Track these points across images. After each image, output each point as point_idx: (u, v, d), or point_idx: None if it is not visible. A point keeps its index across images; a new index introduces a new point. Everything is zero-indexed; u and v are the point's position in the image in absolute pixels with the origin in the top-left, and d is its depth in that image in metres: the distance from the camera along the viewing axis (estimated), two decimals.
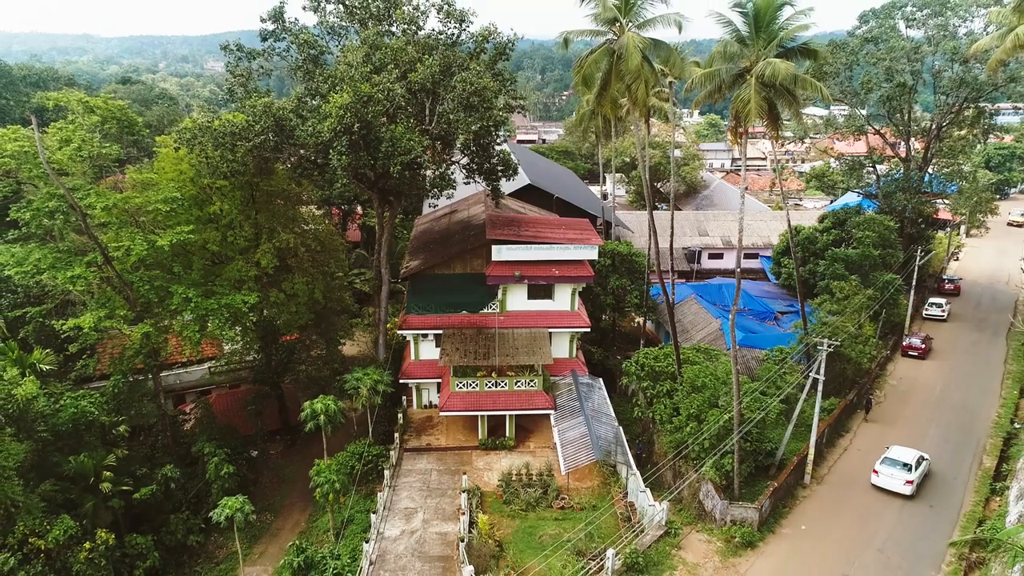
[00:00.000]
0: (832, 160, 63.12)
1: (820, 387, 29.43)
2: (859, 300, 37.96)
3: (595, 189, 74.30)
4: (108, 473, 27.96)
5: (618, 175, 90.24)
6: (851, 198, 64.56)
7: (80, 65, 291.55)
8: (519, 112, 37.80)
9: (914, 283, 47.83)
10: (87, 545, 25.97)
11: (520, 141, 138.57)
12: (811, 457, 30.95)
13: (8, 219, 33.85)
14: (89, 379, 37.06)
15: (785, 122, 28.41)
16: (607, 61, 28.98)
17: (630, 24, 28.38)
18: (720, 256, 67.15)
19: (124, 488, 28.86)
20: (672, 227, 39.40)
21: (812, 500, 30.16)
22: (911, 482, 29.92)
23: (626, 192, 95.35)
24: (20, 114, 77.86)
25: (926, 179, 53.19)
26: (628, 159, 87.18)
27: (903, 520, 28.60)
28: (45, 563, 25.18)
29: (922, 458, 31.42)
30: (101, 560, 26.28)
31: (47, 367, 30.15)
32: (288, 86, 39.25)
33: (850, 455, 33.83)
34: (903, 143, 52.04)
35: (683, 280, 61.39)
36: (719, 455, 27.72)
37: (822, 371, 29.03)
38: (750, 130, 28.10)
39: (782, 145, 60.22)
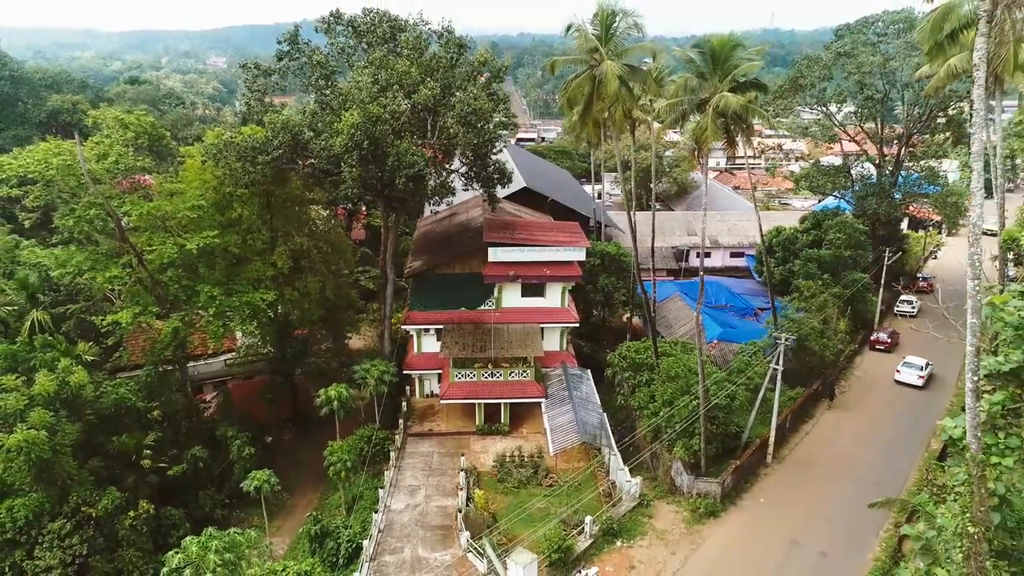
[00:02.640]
0: (817, 161, 66.44)
1: (779, 377, 32.87)
2: (823, 298, 41.38)
3: (593, 187, 77.49)
4: (147, 451, 31.54)
5: (614, 175, 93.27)
6: (834, 200, 67.86)
7: (84, 61, 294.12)
8: (511, 129, 41.13)
9: (883, 282, 51.16)
10: (131, 514, 29.57)
11: (519, 139, 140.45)
12: (772, 440, 34.46)
13: (45, 225, 37.44)
14: (121, 369, 40.66)
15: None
16: (589, 85, 32.32)
17: (609, 52, 31.70)
18: (708, 255, 70.32)
19: (160, 465, 32.46)
20: (653, 229, 42.77)
21: (772, 477, 33.71)
22: (922, 377, 42.86)
23: (621, 192, 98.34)
24: (38, 116, 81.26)
25: (899, 182, 56.45)
26: (622, 159, 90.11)
27: (854, 494, 32.04)
28: (95, 528, 28.77)
29: (928, 363, 43.91)
30: (143, 527, 29.91)
31: (91, 358, 33.69)
32: (288, 85, 42.49)
33: (811, 438, 37.36)
34: (876, 149, 55.32)
35: (671, 278, 64.77)
36: (688, 436, 31.25)
37: (781, 362, 32.46)
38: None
39: (762, 153, 63.43)
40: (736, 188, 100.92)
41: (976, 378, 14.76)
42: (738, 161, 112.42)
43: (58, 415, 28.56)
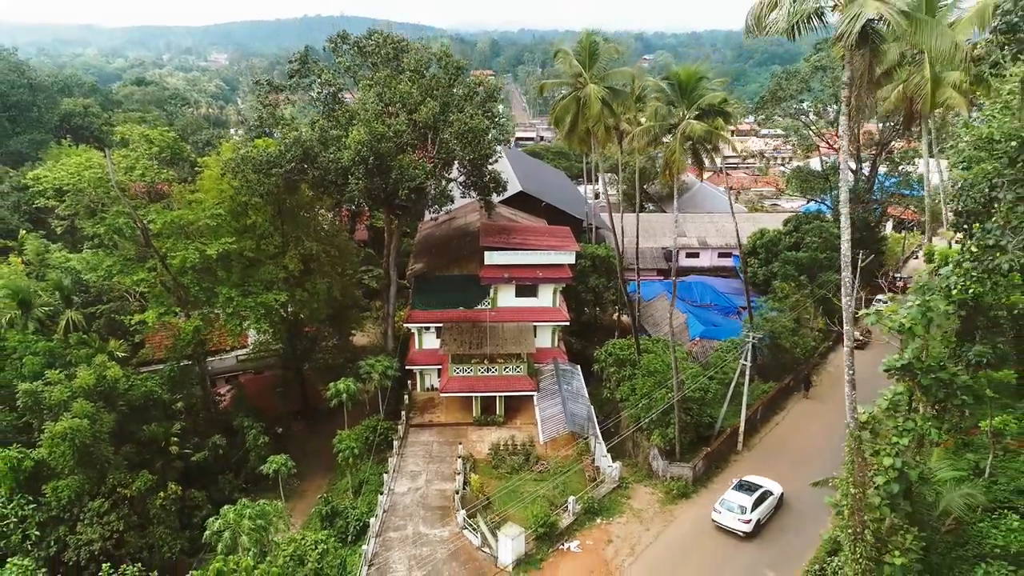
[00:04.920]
0: (799, 167, 69.44)
1: (747, 372, 35.98)
2: (795, 298, 44.48)
3: (590, 187, 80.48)
4: (174, 439, 34.79)
5: (611, 175, 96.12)
6: (816, 203, 70.75)
7: (86, 58, 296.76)
8: (505, 144, 44.20)
9: (857, 283, 54.09)
10: (161, 495, 32.83)
11: (518, 139, 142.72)
12: (742, 429, 37.58)
13: (70, 231, 40.46)
14: (144, 364, 43.90)
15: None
16: (575, 106, 35.44)
17: (593, 77, 34.77)
18: (696, 255, 73.40)
19: (185, 452, 35.70)
20: (638, 232, 45.86)
21: (742, 463, 36.85)
22: None
23: (617, 192, 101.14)
24: (51, 120, 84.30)
25: (875, 187, 59.38)
26: (617, 160, 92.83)
27: (814, 476, 34.80)
28: (129, 507, 32.06)
29: None
30: (171, 507, 33.16)
31: (121, 354, 36.92)
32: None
33: (780, 428, 40.43)
34: (853, 156, 58.19)
35: (661, 277, 67.76)
36: (664, 426, 34.45)
37: (749, 358, 35.57)
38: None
39: (745, 159, 66.33)
40: (730, 189, 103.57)
41: (851, 371, 18.19)
42: (730, 162, 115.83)
43: (96, 406, 31.76)
